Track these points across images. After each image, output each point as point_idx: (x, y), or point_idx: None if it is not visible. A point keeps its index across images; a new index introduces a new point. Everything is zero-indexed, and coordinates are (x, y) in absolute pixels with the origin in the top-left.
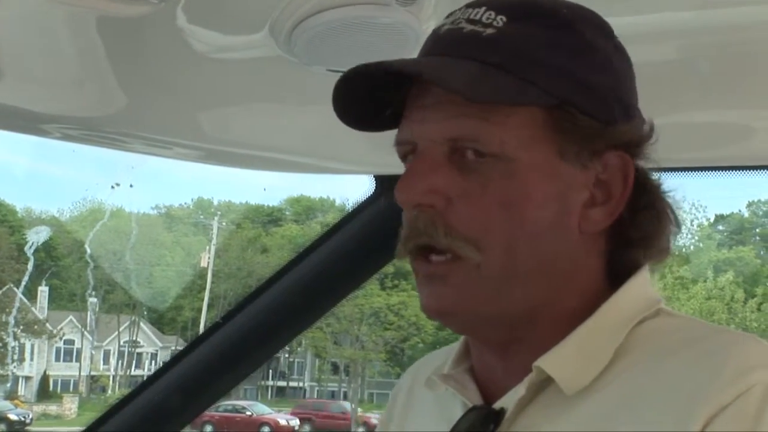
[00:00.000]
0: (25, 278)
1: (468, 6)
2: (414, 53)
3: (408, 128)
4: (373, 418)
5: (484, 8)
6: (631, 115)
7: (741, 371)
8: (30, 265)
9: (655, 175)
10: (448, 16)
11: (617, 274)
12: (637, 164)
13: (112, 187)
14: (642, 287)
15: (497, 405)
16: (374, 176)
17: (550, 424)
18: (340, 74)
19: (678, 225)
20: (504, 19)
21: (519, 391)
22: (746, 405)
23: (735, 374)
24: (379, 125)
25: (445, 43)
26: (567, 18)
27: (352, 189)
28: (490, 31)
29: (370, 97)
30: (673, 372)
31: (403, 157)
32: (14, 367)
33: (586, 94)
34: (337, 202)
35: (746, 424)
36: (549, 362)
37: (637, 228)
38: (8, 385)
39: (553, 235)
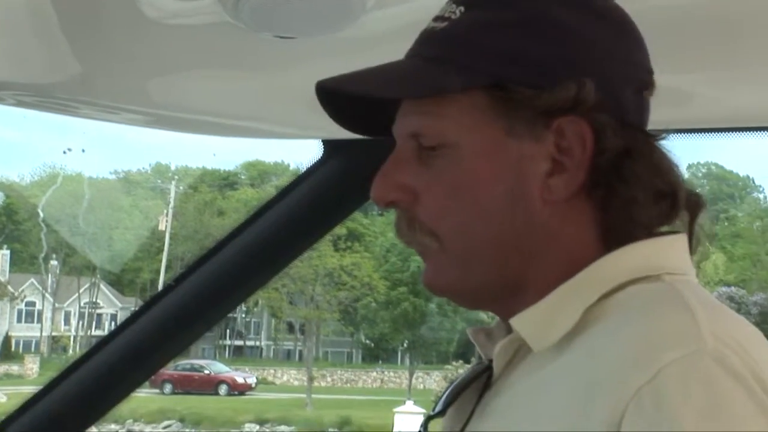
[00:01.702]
0: None
1: (447, 2)
2: (358, 18)
3: (394, 128)
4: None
5: (451, 2)
6: (590, 77)
7: (653, 348)
8: None
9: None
10: None
11: (618, 240)
12: (603, 125)
13: (64, 152)
14: (644, 255)
15: (493, 360)
16: (322, 141)
17: (522, 378)
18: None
19: (675, 187)
20: (462, 9)
21: (498, 349)
22: (660, 386)
23: (646, 351)
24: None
25: (415, 43)
26: None
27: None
28: (443, 24)
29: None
30: (606, 342)
31: None
32: None
33: (521, 66)
34: (291, 167)
35: (663, 410)
36: (520, 321)
37: (605, 190)
38: None
39: (510, 209)
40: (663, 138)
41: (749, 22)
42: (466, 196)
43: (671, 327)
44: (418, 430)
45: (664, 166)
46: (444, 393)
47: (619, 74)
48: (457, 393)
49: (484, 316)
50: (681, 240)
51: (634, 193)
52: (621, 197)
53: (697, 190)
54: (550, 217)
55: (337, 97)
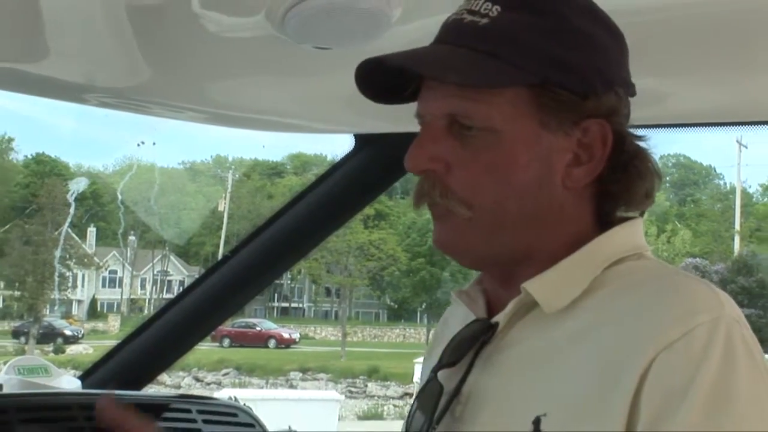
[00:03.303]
0: (68, 220)
1: None
2: (385, 33)
3: (420, 104)
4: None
5: (483, 0)
6: (615, 86)
7: (689, 311)
8: (72, 209)
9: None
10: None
11: (609, 223)
12: (619, 128)
13: (138, 145)
14: (627, 235)
15: (494, 319)
16: (354, 135)
17: (531, 338)
18: (326, 50)
19: (659, 178)
20: (498, 8)
21: (509, 308)
22: (691, 342)
23: (683, 314)
24: (403, 99)
25: (450, 32)
26: (554, 5)
27: (340, 146)
28: (485, 21)
29: (391, 77)
30: (632, 305)
31: (421, 127)
32: (69, 292)
33: (566, 73)
34: (329, 158)
35: (691, 360)
36: (533, 285)
37: (616, 183)
38: (65, 307)
39: (538, 192)
40: (647, 138)
41: (714, 34)
42: (503, 176)
43: (700, 295)
44: (428, 378)
45: (653, 165)
46: (449, 347)
47: (624, 82)
48: (463, 347)
49: None
50: (640, 223)
51: (635, 187)
52: (625, 189)
53: (667, 179)
54: (565, 200)
55: (369, 69)
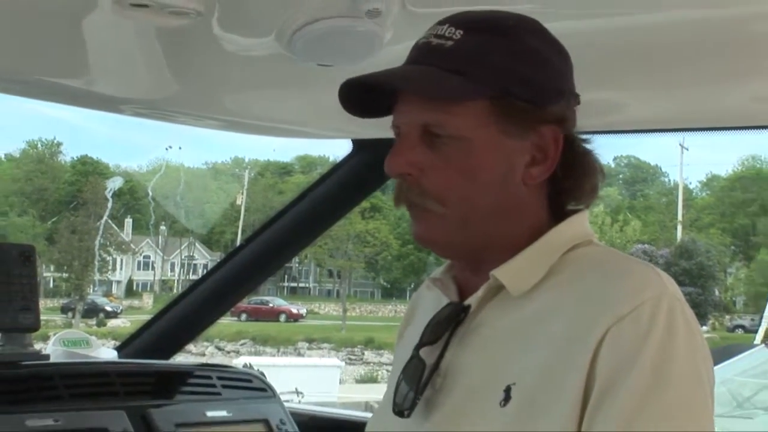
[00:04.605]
0: (107, 213)
1: (437, 23)
2: (378, 52)
3: (396, 117)
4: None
5: (447, 25)
6: (564, 97)
7: (636, 290)
8: (109, 204)
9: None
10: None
11: (562, 215)
12: (568, 132)
13: (166, 149)
14: (577, 225)
15: (467, 302)
16: (352, 140)
17: (500, 317)
18: (328, 66)
19: (603, 174)
20: (461, 32)
21: (480, 292)
22: (639, 316)
23: (631, 292)
24: (380, 113)
25: (420, 53)
26: (510, 28)
27: (340, 149)
28: (449, 43)
29: (370, 94)
30: (587, 287)
31: (396, 136)
32: (109, 274)
33: (522, 86)
34: (331, 159)
35: (638, 331)
36: (500, 271)
37: (567, 180)
38: (105, 287)
39: (501, 189)
40: (592, 140)
41: (659, 55)
42: (470, 176)
43: (645, 276)
44: (411, 355)
45: (597, 164)
46: (428, 326)
47: (570, 92)
48: (439, 327)
49: None
50: (587, 214)
51: (583, 183)
52: (575, 185)
53: (620, 176)
54: (525, 196)
55: (354, 87)
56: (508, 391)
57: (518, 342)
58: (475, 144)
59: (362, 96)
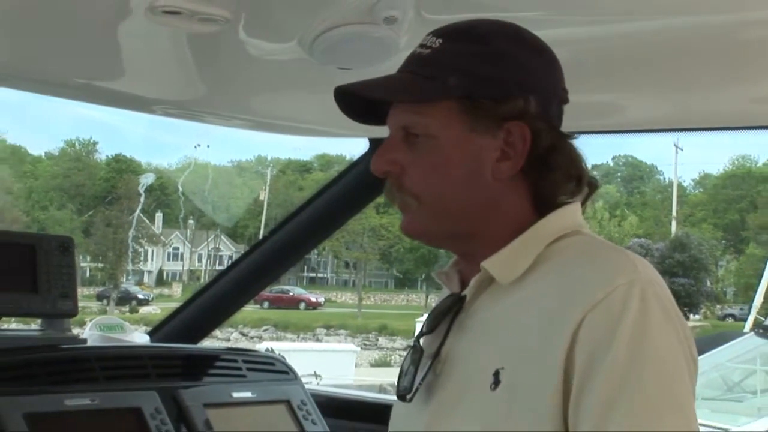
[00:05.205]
0: (139, 207)
1: (426, 34)
2: (394, 56)
3: (387, 121)
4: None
5: (431, 35)
6: (528, 94)
7: (609, 277)
8: (142, 199)
9: (571, 138)
10: None
11: (550, 208)
12: (537, 127)
13: (195, 147)
14: (566, 216)
15: (463, 293)
16: (368, 138)
17: (491, 306)
18: (347, 70)
19: (579, 166)
20: (440, 41)
21: (472, 283)
22: (612, 301)
23: (604, 279)
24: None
25: (406, 61)
26: (481, 34)
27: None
28: (427, 51)
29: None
30: (567, 274)
31: None
32: (141, 264)
33: (487, 86)
34: (347, 157)
35: (611, 316)
36: (489, 263)
37: (541, 176)
38: (138, 276)
39: (471, 183)
40: (576, 137)
41: (657, 60)
42: (441, 173)
43: (618, 262)
44: (413, 344)
45: (575, 158)
46: (428, 318)
47: (549, 92)
48: (439, 317)
49: None
50: (578, 206)
51: (555, 177)
52: (547, 179)
53: (618, 174)
54: (498, 190)
55: (349, 95)
56: (497, 375)
57: (506, 328)
58: (444, 142)
59: (367, 103)
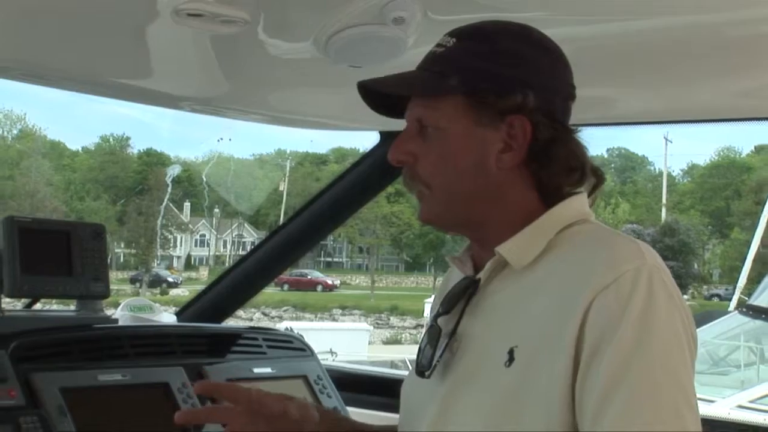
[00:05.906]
0: (167, 197)
1: (444, 35)
2: (403, 55)
3: (406, 113)
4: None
5: (447, 35)
6: (529, 89)
7: (618, 262)
8: (168, 189)
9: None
10: None
11: (559, 198)
12: (538, 121)
13: (218, 140)
14: (574, 206)
15: (478, 276)
16: (379, 131)
17: (505, 288)
18: (358, 67)
19: (582, 157)
20: (454, 40)
21: (487, 267)
22: (621, 285)
23: (613, 264)
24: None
25: (423, 59)
26: (492, 34)
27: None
28: (441, 50)
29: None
30: (578, 259)
31: None
32: (171, 250)
33: (491, 82)
34: (360, 150)
35: (621, 299)
36: (503, 248)
37: (541, 167)
38: (167, 261)
39: (476, 173)
40: (579, 130)
41: (649, 56)
42: (449, 163)
43: (627, 249)
44: (430, 324)
45: (577, 150)
46: (445, 298)
47: (552, 88)
48: (454, 299)
49: None
50: (584, 196)
51: (555, 168)
52: (548, 169)
53: (612, 165)
54: (503, 180)
55: (369, 90)
56: (511, 353)
57: (520, 309)
58: (451, 133)
59: (385, 97)
